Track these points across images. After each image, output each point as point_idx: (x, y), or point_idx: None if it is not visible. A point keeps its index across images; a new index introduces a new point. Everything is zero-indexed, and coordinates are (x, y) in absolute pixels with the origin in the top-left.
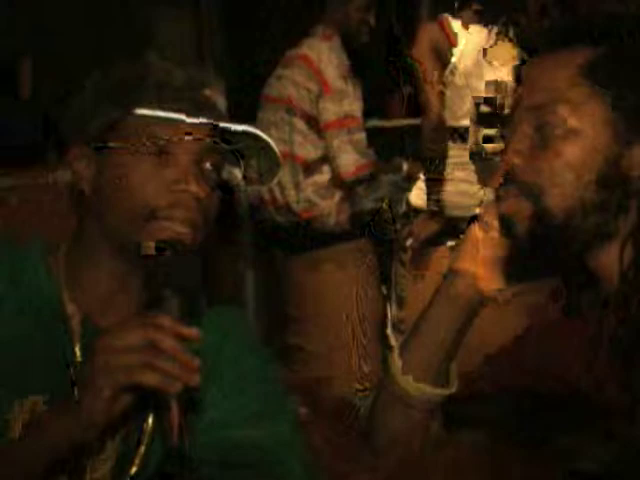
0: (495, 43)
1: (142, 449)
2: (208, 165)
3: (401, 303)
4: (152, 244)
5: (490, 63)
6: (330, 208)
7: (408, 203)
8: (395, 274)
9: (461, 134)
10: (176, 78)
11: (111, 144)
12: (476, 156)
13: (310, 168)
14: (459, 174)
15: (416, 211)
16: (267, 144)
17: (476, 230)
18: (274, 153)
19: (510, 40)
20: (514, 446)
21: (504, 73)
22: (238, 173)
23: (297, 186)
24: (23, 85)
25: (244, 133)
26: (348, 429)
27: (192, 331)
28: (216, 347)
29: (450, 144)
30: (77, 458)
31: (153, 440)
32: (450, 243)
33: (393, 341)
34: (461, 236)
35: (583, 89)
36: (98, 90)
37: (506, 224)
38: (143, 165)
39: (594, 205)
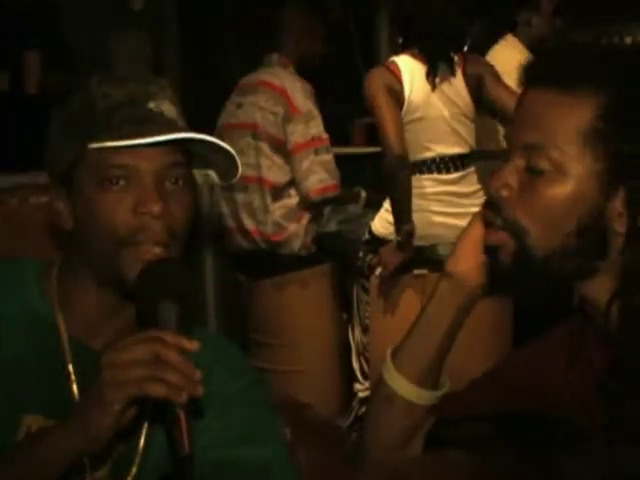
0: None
1: (141, 449)
2: (173, 182)
3: (365, 329)
4: (133, 268)
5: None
6: (298, 230)
7: (371, 231)
8: (357, 299)
9: (429, 165)
10: (115, 99)
11: (75, 180)
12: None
13: (278, 192)
14: (434, 206)
15: (379, 240)
16: (221, 147)
17: (472, 233)
18: (226, 151)
19: (520, 41)
20: (502, 468)
21: (458, 98)
22: (213, 174)
23: (266, 210)
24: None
25: (200, 141)
26: (332, 448)
27: (193, 344)
28: (207, 369)
29: (425, 175)
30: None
31: (152, 440)
32: (417, 271)
33: (357, 366)
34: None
35: (579, 141)
36: (57, 129)
37: (492, 253)
38: (108, 195)
39: (572, 250)
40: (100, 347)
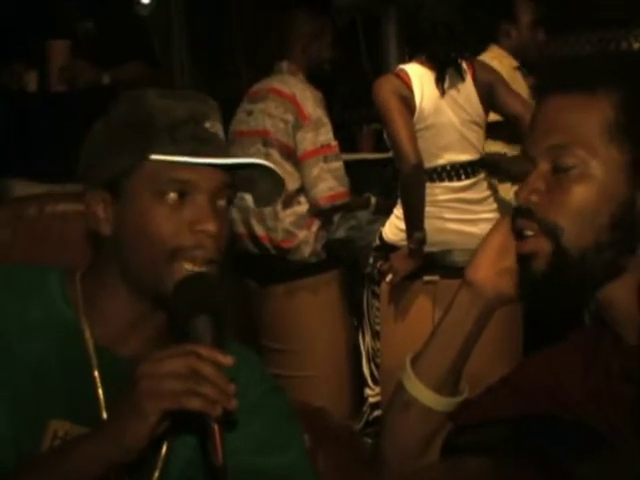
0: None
1: (163, 456)
2: (223, 201)
3: (376, 335)
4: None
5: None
6: (307, 238)
7: (381, 238)
8: (367, 305)
9: (440, 173)
10: (177, 115)
11: (126, 188)
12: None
13: (288, 199)
14: (446, 213)
15: (390, 246)
16: (269, 170)
17: (492, 242)
18: (277, 177)
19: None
20: (520, 473)
21: (468, 105)
22: (249, 197)
23: (276, 217)
24: None
25: (249, 164)
26: (350, 454)
27: (227, 358)
28: (229, 378)
29: (436, 184)
30: None
31: (174, 448)
32: (428, 277)
33: (367, 371)
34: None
35: (604, 136)
36: (104, 136)
37: (526, 261)
38: (162, 208)
39: (606, 245)
40: (127, 354)
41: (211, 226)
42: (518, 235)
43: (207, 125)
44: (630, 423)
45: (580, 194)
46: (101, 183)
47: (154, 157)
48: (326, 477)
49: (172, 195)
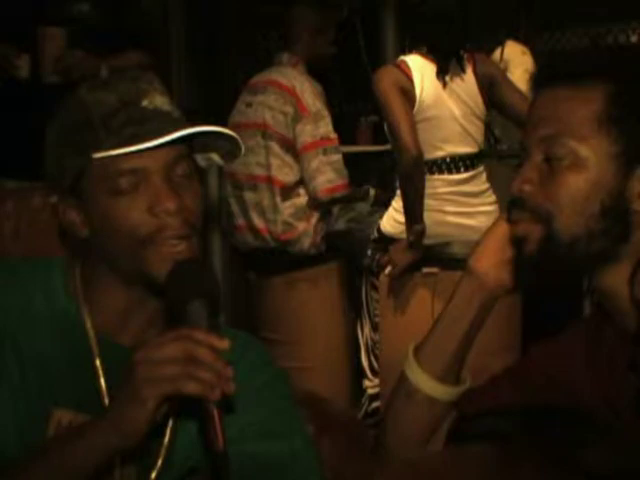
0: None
1: (167, 443)
2: (181, 172)
3: (375, 327)
4: (160, 266)
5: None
6: (307, 230)
7: (379, 230)
8: (366, 297)
9: (439, 165)
10: (109, 104)
11: (84, 191)
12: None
13: (288, 191)
14: (445, 206)
15: (388, 239)
16: (221, 133)
17: (495, 232)
18: (230, 136)
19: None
20: (525, 461)
21: (468, 98)
22: (216, 156)
23: (275, 209)
24: None
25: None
26: (354, 442)
27: (223, 342)
28: (232, 364)
29: (435, 176)
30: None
31: (177, 435)
32: (427, 269)
33: (366, 363)
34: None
35: (593, 126)
36: (55, 142)
37: (519, 244)
38: (120, 202)
39: (598, 232)
40: (126, 342)
41: (170, 204)
42: (512, 223)
43: (144, 103)
44: (635, 411)
45: (571, 183)
46: (63, 189)
47: (97, 155)
48: (330, 465)
49: (125, 187)
